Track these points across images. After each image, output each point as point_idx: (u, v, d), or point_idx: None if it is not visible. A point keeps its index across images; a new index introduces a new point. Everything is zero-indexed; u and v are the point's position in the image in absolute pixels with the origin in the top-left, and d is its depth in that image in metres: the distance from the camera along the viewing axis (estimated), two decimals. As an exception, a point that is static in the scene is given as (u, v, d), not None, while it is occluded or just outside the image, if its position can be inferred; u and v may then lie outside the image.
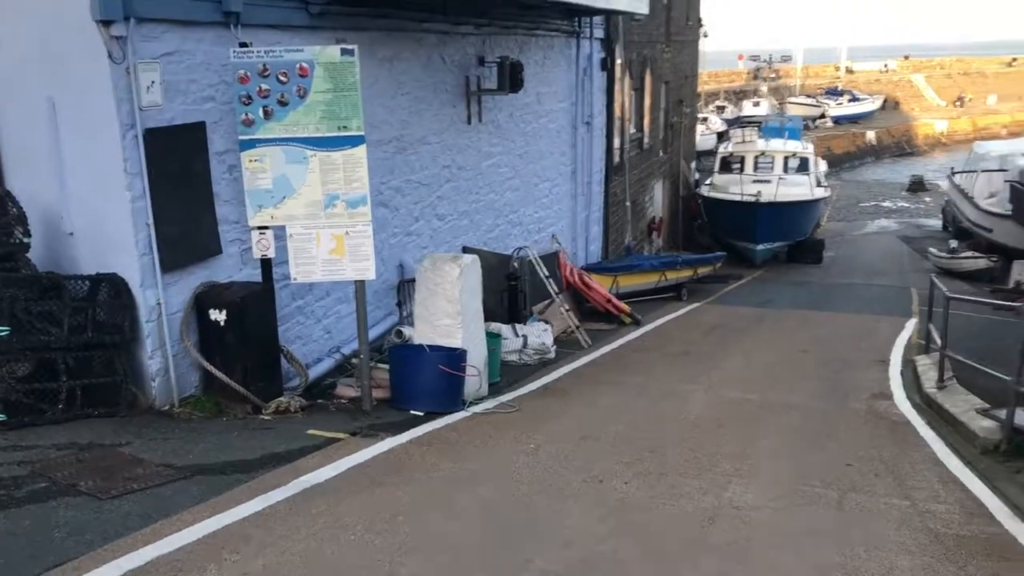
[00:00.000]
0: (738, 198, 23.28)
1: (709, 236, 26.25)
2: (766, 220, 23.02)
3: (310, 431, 6.56)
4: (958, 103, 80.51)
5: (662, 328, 14.04)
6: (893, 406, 9.15)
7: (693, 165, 29.70)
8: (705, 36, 29.82)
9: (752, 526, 5.20)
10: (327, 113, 6.89)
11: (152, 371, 6.62)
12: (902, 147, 70.29)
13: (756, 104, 59.23)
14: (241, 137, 6.91)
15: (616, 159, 18.68)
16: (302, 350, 8.17)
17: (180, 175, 6.69)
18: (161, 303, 6.57)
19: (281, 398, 7.14)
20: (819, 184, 25.81)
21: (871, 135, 68.39)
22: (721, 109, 56.84)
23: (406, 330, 8.92)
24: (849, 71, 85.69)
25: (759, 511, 5.47)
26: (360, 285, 7.33)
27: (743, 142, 27.49)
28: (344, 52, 6.82)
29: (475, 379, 8.10)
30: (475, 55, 11.68)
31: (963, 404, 8.23)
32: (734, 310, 16.55)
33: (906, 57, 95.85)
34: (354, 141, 6.97)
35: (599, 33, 16.67)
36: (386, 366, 7.98)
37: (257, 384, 6.99)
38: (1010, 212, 22.39)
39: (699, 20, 28.98)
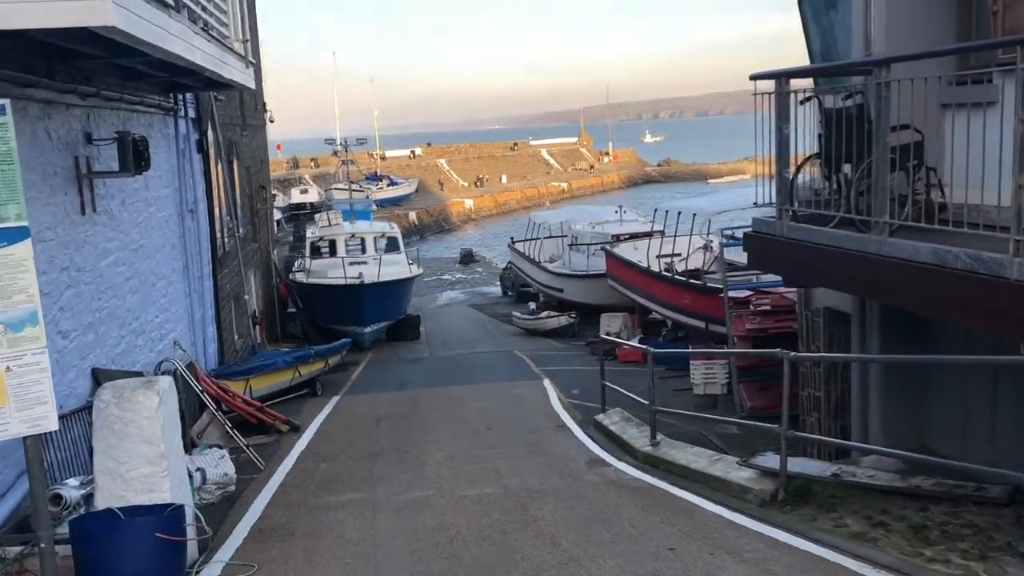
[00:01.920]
0: (342, 281, 22.54)
1: (306, 324, 25.05)
2: (372, 301, 22.60)
3: None
4: (478, 183, 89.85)
5: (326, 430, 12.58)
6: (618, 472, 8.98)
7: (276, 252, 28.36)
8: (272, 122, 28.93)
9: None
10: (-35, 197, 4.67)
11: None
12: (441, 225, 76.01)
13: (304, 192, 59.88)
14: None
15: (220, 250, 16.83)
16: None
17: None
18: None
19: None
20: (411, 262, 26.20)
21: (413, 216, 72.83)
22: (273, 197, 56.02)
23: (68, 492, 6.51)
24: (382, 157, 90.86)
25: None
26: (33, 443, 5.04)
27: (330, 225, 26.94)
28: (-11, 109, 4.69)
29: (193, 541, 6.12)
30: (82, 131, 9.43)
31: (703, 458, 8.30)
32: (380, 398, 15.63)
33: (429, 144, 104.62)
34: (12, 235, 4.81)
35: (192, 112, 14.92)
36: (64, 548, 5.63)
37: None
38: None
39: (264, 105, 28.05)
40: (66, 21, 5.88)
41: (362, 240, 26.06)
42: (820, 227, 6.14)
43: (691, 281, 18.47)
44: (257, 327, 21.29)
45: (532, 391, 15.38)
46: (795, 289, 13.55)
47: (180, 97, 13.92)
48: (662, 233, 25.95)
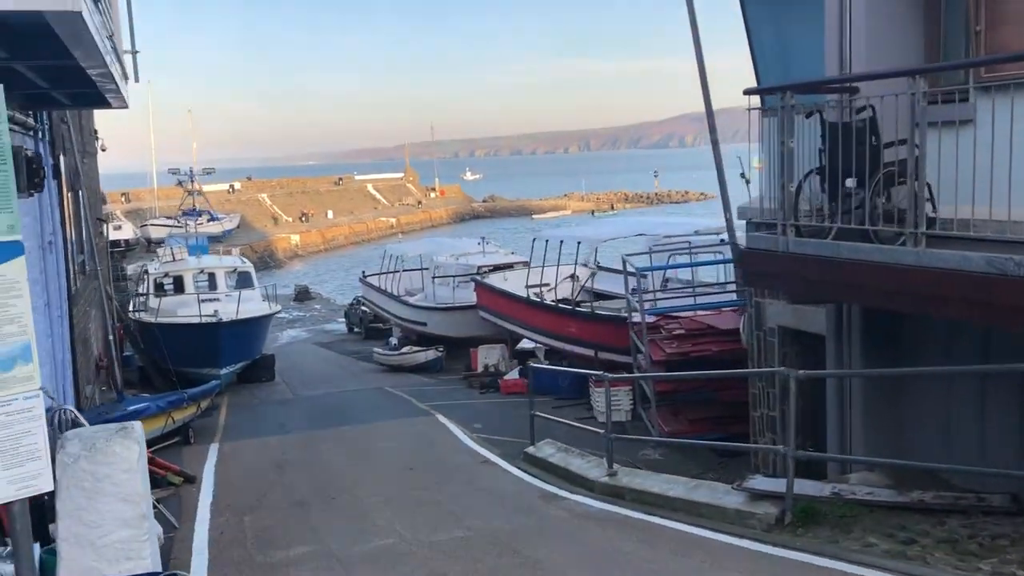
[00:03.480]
0: (196, 320, 20.90)
1: (149, 368, 23.05)
2: (230, 341, 21.07)
3: None
4: (303, 218, 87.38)
5: (225, 480, 11.43)
6: (581, 504, 8.64)
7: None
8: (103, 150, 26.67)
9: None
10: (-55, 203, 3.73)
11: None
12: (266, 261, 72.97)
13: (118, 228, 55.87)
14: None
15: (73, 287, 15.15)
16: None
17: None
18: None
19: None
20: (264, 298, 24.78)
21: (236, 252, 69.65)
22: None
23: (6, 568, 5.39)
24: (200, 192, 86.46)
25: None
26: (22, 510, 4.07)
27: (174, 260, 25.07)
28: (-24, 93, 3.78)
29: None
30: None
31: (678, 485, 8.10)
32: (268, 442, 14.43)
33: (249, 178, 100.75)
34: (5, 252, 3.90)
35: (48, 134, 13.39)
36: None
37: None
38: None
39: (95, 132, 25.83)
40: None
41: (211, 275, 24.38)
42: (840, 240, 6.14)
43: (578, 309, 18.50)
44: (102, 371, 19.34)
45: (432, 428, 14.75)
46: (708, 312, 13.90)
47: (41, 116, 12.47)
48: (527, 264, 26.09)
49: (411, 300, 27.81)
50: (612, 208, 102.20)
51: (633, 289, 14.07)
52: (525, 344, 22.74)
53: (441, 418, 15.66)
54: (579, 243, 21.71)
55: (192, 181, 32.73)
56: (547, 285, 21.84)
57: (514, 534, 7.63)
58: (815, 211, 6.60)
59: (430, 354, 24.49)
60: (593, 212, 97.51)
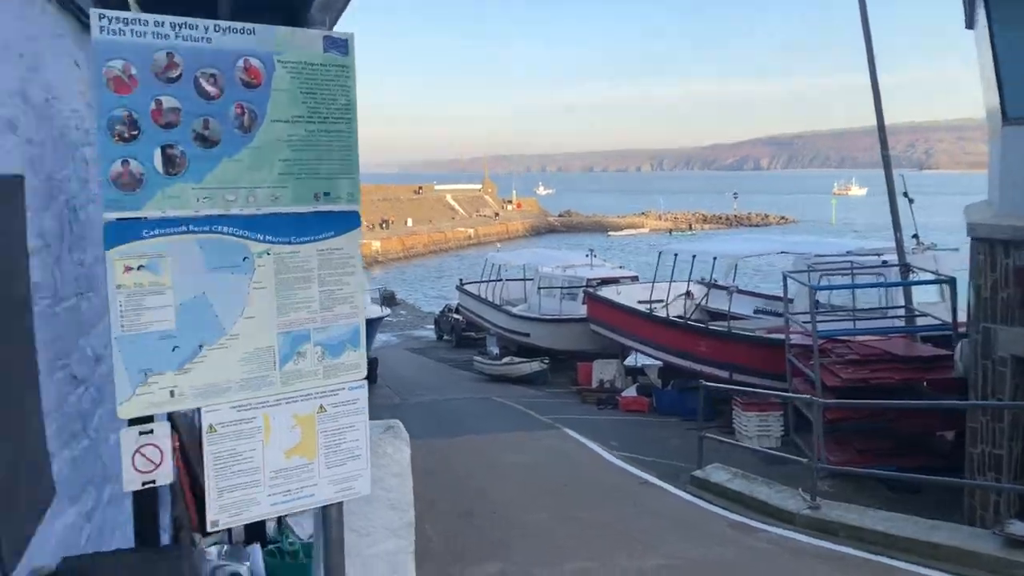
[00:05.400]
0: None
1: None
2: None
3: None
4: (384, 225, 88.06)
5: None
6: (786, 538, 7.99)
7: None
8: None
9: None
10: (294, 166, 3.33)
11: None
12: (348, 265, 73.66)
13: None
14: (110, 215, 2.94)
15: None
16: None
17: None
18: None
19: None
20: (373, 301, 24.65)
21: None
22: None
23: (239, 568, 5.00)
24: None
25: None
26: (338, 516, 3.64)
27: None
28: (331, 44, 3.38)
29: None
30: None
31: (909, 523, 7.40)
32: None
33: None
34: (341, 223, 3.49)
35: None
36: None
37: None
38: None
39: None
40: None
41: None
42: None
43: (713, 327, 17.81)
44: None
45: (564, 442, 14.21)
46: (874, 337, 13.07)
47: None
48: (635, 279, 25.42)
49: (514, 310, 27.37)
50: (690, 228, 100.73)
51: (796, 310, 13.32)
52: (631, 361, 22.10)
53: (571, 432, 15.11)
54: (715, 259, 20.96)
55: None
56: (660, 301, 21.17)
57: (725, 566, 7.04)
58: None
59: (534, 365, 23.97)
60: (671, 231, 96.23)
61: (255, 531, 5.84)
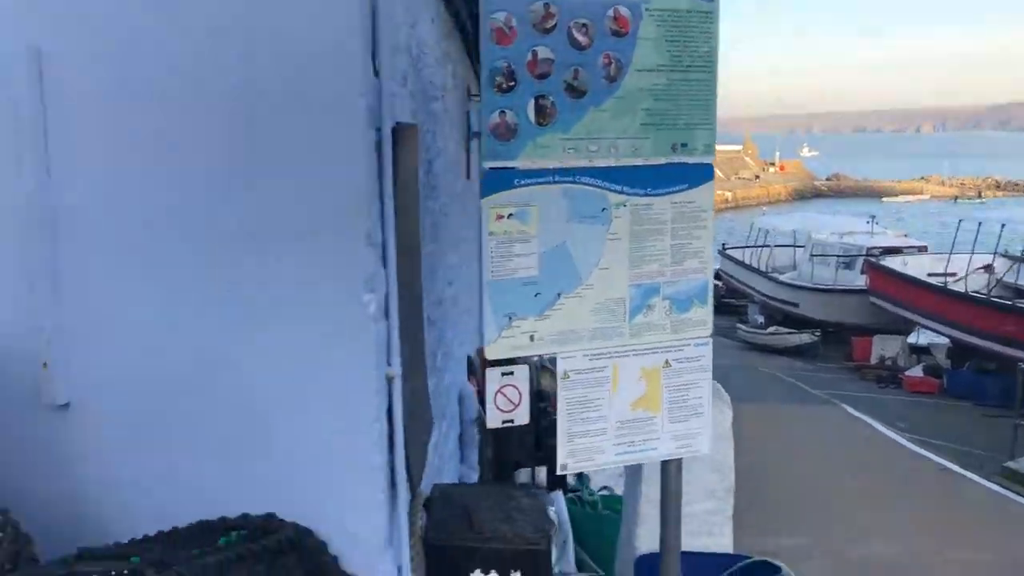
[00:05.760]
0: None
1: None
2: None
3: None
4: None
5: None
6: None
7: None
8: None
9: None
10: (654, 116, 3.28)
11: None
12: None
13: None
14: (489, 164, 3.06)
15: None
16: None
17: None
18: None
19: None
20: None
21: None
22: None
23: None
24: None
25: None
26: (676, 468, 3.64)
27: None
28: (697, -10, 3.29)
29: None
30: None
31: None
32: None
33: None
34: (696, 175, 3.41)
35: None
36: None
37: None
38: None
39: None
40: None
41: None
42: None
43: (1022, 305, 16.06)
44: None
45: (846, 420, 13.51)
46: None
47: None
48: (923, 249, 23.47)
49: (782, 277, 26.24)
50: (980, 196, 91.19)
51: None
52: (913, 338, 20.47)
53: (850, 409, 14.29)
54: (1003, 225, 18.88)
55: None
56: (952, 275, 19.35)
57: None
58: None
59: (804, 337, 22.89)
60: (956, 199, 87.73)
61: (557, 478, 6.05)
